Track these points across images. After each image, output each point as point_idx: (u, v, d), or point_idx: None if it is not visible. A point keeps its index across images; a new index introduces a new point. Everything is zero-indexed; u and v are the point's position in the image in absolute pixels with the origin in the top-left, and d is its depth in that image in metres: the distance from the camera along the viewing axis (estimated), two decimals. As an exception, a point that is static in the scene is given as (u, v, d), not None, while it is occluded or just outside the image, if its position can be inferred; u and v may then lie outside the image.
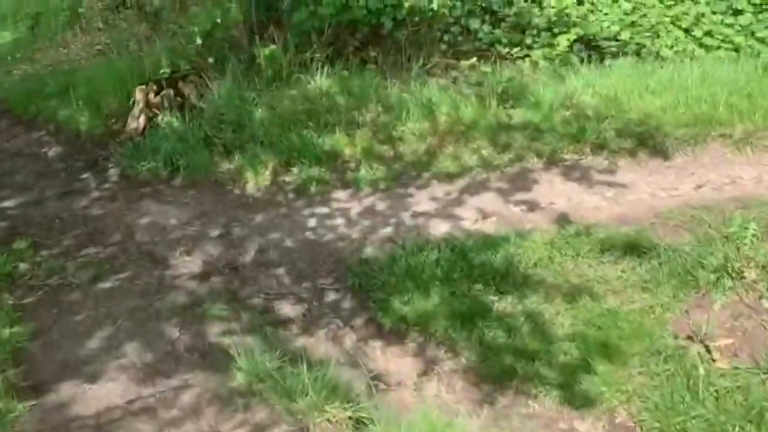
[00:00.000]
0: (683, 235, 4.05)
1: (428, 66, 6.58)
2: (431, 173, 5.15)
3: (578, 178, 4.86)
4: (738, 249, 3.84)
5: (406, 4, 6.46)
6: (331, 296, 4.21)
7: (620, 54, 6.59)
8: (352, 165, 5.36)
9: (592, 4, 7.18)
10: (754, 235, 3.87)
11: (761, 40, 6.56)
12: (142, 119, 5.78)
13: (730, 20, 6.82)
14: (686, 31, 6.68)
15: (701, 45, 6.55)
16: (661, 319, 3.76)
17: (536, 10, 6.99)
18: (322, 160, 5.36)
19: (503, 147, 5.20)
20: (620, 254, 4.08)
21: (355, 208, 4.94)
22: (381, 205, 4.94)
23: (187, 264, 4.48)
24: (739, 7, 6.89)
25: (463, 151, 5.26)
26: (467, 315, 3.90)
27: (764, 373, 3.39)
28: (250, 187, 5.28)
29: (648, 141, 4.92)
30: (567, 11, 6.90)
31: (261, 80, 6.17)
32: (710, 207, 4.17)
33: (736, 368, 3.47)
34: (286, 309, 4.09)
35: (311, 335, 3.91)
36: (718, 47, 6.55)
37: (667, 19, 6.67)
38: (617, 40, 6.68)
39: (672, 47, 6.52)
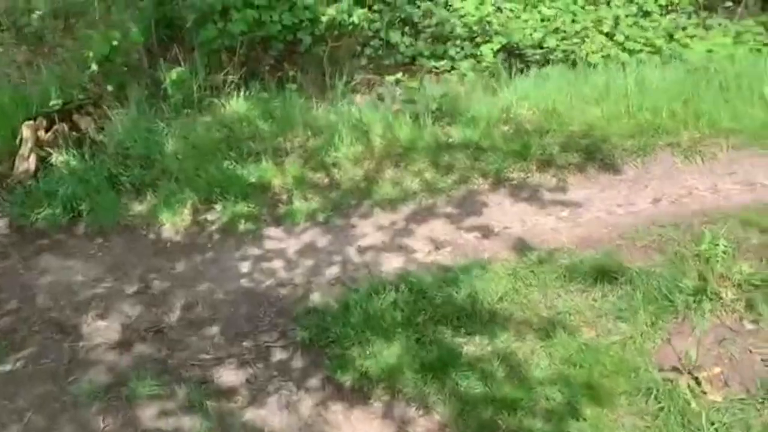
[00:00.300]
0: (653, 256, 3.83)
1: (352, 83, 6.16)
2: (372, 201, 4.72)
3: (528, 198, 4.58)
4: (712, 268, 3.65)
5: (324, 19, 6.01)
6: (278, 355, 3.69)
7: (548, 62, 6.43)
8: (284, 197, 4.84)
9: (511, 11, 7.01)
10: (725, 252, 3.70)
11: (678, 42, 6.60)
12: (32, 160, 4.99)
13: (643, 23, 6.85)
14: (608, 35, 6.61)
15: (624, 49, 6.48)
16: (642, 350, 3.50)
17: (457, 20, 6.73)
18: (249, 193, 4.80)
19: (446, 168, 4.85)
20: (589, 281, 3.80)
21: (293, 247, 4.43)
22: (322, 241, 4.46)
23: (103, 331, 3.82)
24: (648, 9, 6.94)
25: (404, 175, 4.86)
26: (436, 364, 3.50)
27: (759, 403, 3.20)
28: (168, 231, 4.65)
29: (595, 154, 4.72)
30: (488, 19, 6.68)
31: (169, 107, 5.53)
32: (675, 223, 3.98)
33: (729, 399, 3.26)
34: (227, 376, 3.54)
35: (260, 405, 3.39)
36: (640, 50, 6.52)
37: (591, 25, 6.57)
38: (542, 48, 6.52)
39: (597, 53, 6.42)
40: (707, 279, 3.63)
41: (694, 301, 3.56)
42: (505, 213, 4.48)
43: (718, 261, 3.67)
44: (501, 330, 3.67)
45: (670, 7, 7.11)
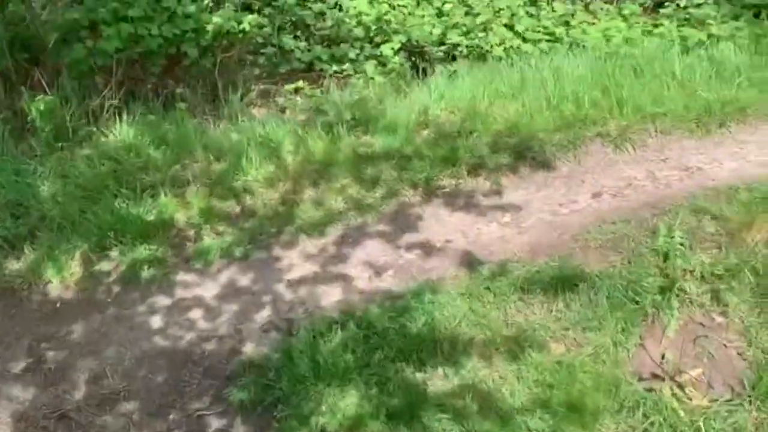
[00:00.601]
0: (610, 256, 3.60)
1: (248, 96, 5.61)
2: (295, 227, 4.21)
3: (464, 206, 4.25)
4: (672, 263, 3.47)
5: (210, 28, 5.40)
6: (214, 424, 3.15)
7: (453, 58, 6.18)
8: (191, 234, 4.22)
9: (405, 7, 6.70)
10: (682, 244, 3.54)
11: (576, 29, 6.55)
12: None
13: (541, 12, 6.77)
14: (506, 26, 6.45)
15: (525, 40, 6.35)
16: (617, 360, 3.26)
17: (352, 20, 6.33)
18: (149, 234, 4.15)
19: (371, 182, 4.43)
20: (549, 292, 3.52)
21: (211, 290, 3.85)
22: (244, 280, 3.90)
23: (-11, 428, 3.09)
24: (535, -2, 6.88)
25: (326, 194, 4.39)
26: (402, 409, 3.09)
27: (748, 403, 3.03)
28: (56, 289, 3.91)
29: (525, 152, 4.47)
30: (386, 17, 6.33)
31: (39, 142, 4.73)
32: (625, 219, 3.78)
33: (714, 400, 3.08)
34: (157, 460, 2.95)
35: (203, 491, 2.83)
36: (540, 40, 6.40)
37: (491, 17, 6.38)
38: (444, 44, 6.25)
39: (500, 45, 6.24)
40: (669, 275, 3.45)
41: (662, 300, 3.36)
42: (444, 225, 4.12)
43: (677, 255, 3.50)
44: (465, 358, 3.31)
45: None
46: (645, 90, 4.77)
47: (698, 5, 6.40)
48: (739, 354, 3.22)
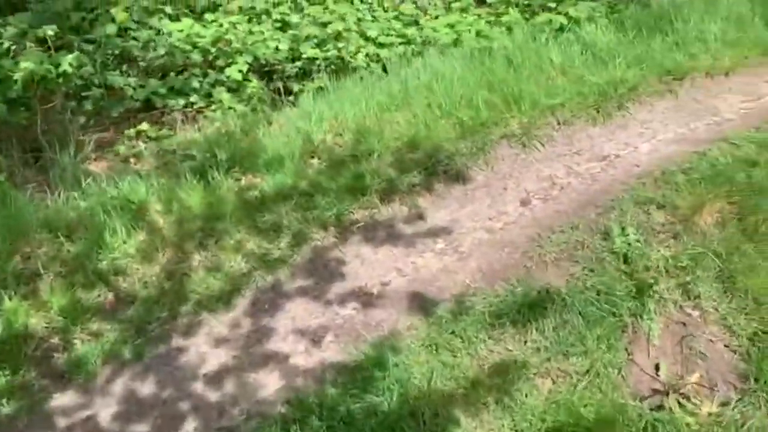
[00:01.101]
0: (570, 268, 3.26)
1: (83, 152, 4.60)
2: (191, 304, 3.41)
3: (388, 238, 3.71)
4: (634, 264, 3.21)
5: (18, 76, 4.32)
6: None
7: (308, 74, 5.60)
8: (57, 341, 3.26)
9: (239, 23, 5.98)
10: (638, 241, 3.30)
11: (425, 28, 6.28)
12: None
13: (385, 14, 6.43)
14: (358, 33, 6.00)
15: (380, 45, 5.94)
16: (613, 384, 2.93)
17: (186, 45, 5.50)
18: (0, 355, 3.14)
19: (272, 231, 3.73)
20: (518, 322, 3.10)
21: (105, 410, 2.95)
22: (146, 387, 3.05)
23: None
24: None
25: (220, 255, 3.62)
26: None
27: (753, 398, 2.84)
28: None
29: (435, 167, 4.02)
30: (227, 37, 5.58)
31: None
32: (570, 224, 3.47)
33: (724, 404, 2.85)
34: None
35: None
36: (393, 44, 6.03)
37: (341, 26, 5.88)
38: (296, 59, 5.66)
39: (357, 53, 5.76)
40: (636, 277, 3.19)
41: (637, 306, 3.09)
42: (372, 265, 3.55)
43: (636, 254, 3.25)
44: (452, 425, 2.79)
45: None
46: (532, 82, 4.55)
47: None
48: (726, 346, 3.03)
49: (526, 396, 2.89)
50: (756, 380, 2.88)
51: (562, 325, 3.08)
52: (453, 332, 3.07)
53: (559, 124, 4.27)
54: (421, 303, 3.27)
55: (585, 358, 2.99)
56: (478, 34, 6.20)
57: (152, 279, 3.53)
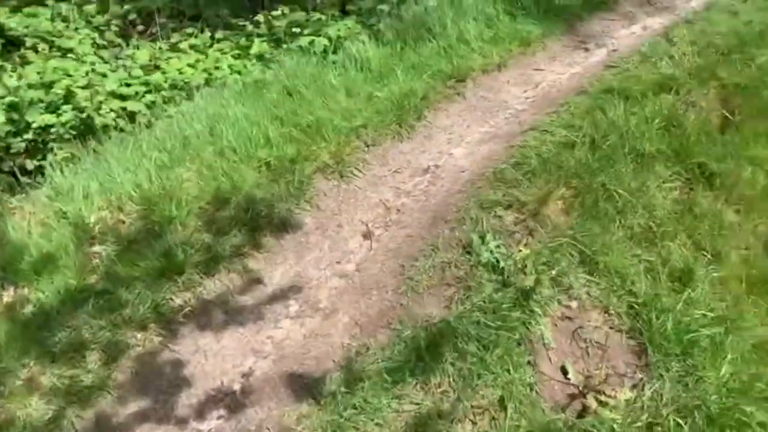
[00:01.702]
0: (445, 293, 2.97)
1: None
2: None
3: (228, 319, 3.08)
4: (506, 271, 3.04)
5: None
6: None
7: (46, 145, 4.63)
8: None
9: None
10: (498, 246, 3.13)
11: (169, 72, 5.62)
12: None
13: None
14: (91, 87, 5.11)
15: (123, 97, 5.15)
16: (530, 401, 2.72)
17: None
18: None
19: (74, 351, 2.87)
20: (417, 373, 2.73)
21: None
22: None
23: None
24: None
25: (9, 406, 2.68)
26: None
27: (660, 372, 2.83)
28: None
29: (256, 219, 3.45)
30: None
31: None
32: (429, 244, 3.17)
33: (637, 386, 2.81)
34: None
35: None
36: (137, 93, 5.27)
37: (70, 83, 4.95)
38: (20, 133, 4.65)
39: (98, 110, 4.90)
40: (511, 284, 3.02)
41: (525, 314, 2.92)
42: (220, 357, 2.91)
43: (503, 260, 3.09)
44: None
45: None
46: (324, 108, 4.22)
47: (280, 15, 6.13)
48: (611, 328, 3.00)
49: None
50: (652, 351, 2.88)
51: (461, 358, 2.79)
52: (354, 406, 2.60)
53: (367, 146, 4.00)
54: (301, 384, 2.75)
55: (495, 387, 2.73)
56: (231, 69, 5.77)
57: None
